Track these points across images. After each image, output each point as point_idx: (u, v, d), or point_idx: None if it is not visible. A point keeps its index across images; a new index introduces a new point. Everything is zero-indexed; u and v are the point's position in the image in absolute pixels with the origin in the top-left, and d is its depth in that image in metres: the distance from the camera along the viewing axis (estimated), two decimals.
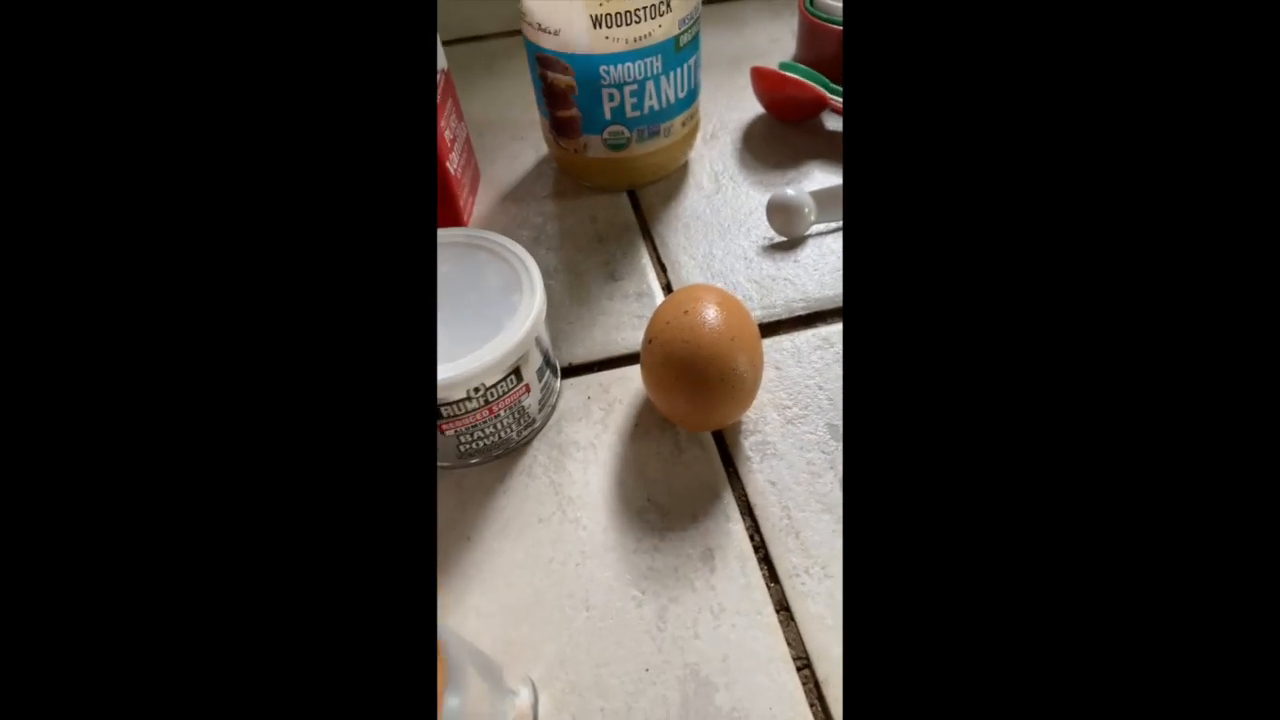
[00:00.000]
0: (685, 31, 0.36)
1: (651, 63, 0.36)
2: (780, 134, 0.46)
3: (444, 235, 0.31)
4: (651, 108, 0.38)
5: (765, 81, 0.45)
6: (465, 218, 0.40)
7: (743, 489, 0.29)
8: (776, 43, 0.55)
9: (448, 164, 0.37)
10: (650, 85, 0.37)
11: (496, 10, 0.61)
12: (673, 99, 0.38)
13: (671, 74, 0.37)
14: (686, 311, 0.29)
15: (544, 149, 0.47)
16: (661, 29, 0.35)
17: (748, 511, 0.29)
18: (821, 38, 0.47)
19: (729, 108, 0.49)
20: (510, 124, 0.49)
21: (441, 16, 0.60)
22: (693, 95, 0.40)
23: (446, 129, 0.37)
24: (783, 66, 0.45)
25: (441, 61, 0.37)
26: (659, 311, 0.30)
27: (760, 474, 0.30)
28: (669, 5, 0.34)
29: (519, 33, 0.58)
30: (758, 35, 0.56)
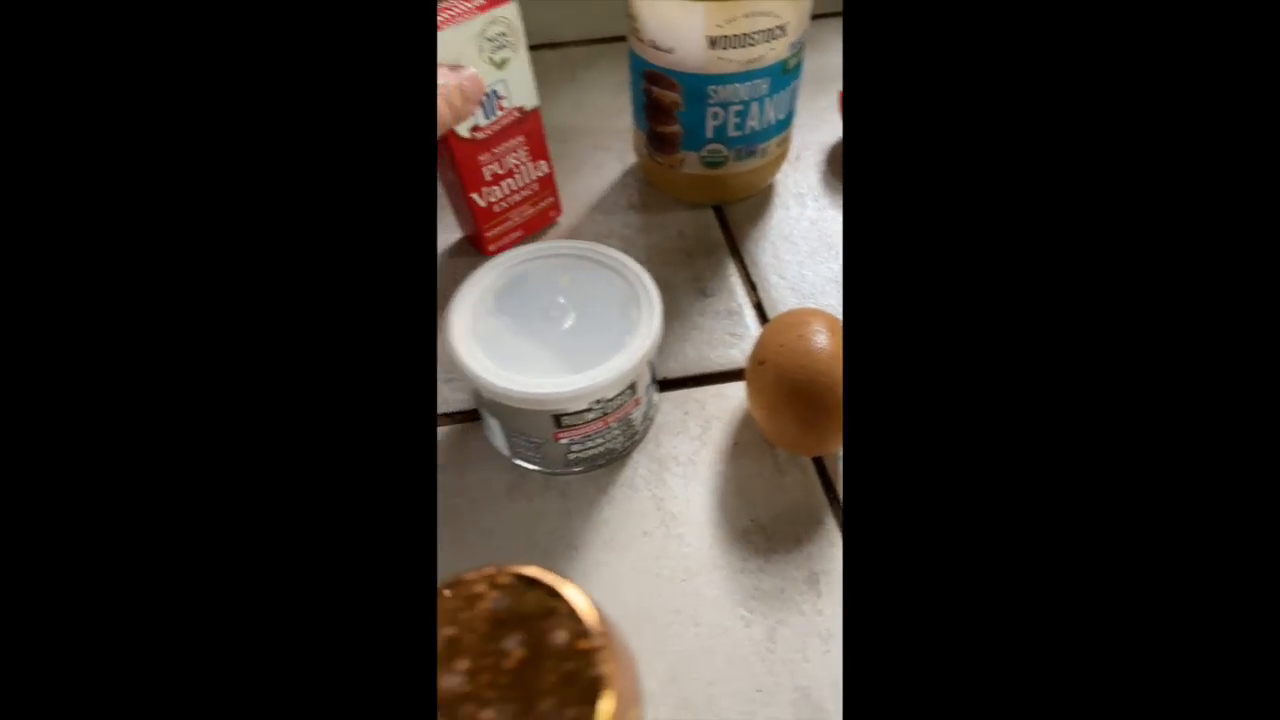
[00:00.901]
0: (794, 55, 0.37)
1: (759, 84, 0.36)
2: None
3: (564, 247, 0.31)
4: (753, 128, 0.38)
5: None
6: (490, 248, 0.39)
7: (842, 515, 0.30)
8: None
9: (474, 196, 0.36)
10: (755, 106, 0.37)
11: (577, 17, 0.61)
12: (773, 120, 0.39)
13: (776, 96, 0.38)
14: (800, 336, 0.29)
15: (628, 159, 0.47)
16: (774, 52, 0.35)
17: None
18: None
19: (811, 129, 0.49)
20: (593, 133, 0.49)
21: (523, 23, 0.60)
22: (790, 118, 0.40)
23: (495, 163, 0.36)
24: None
25: (530, 99, 0.36)
26: (769, 334, 0.30)
27: None
28: (784, 30, 0.35)
29: (601, 40, 0.58)
30: (838, 56, 0.56)
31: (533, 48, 0.58)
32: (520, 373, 0.27)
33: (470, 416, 0.33)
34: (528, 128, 0.36)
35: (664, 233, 0.42)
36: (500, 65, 0.33)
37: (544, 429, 0.28)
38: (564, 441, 0.29)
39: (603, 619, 0.14)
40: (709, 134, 0.38)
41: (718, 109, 0.37)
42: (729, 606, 0.27)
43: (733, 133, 0.38)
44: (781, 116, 0.39)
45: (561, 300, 0.30)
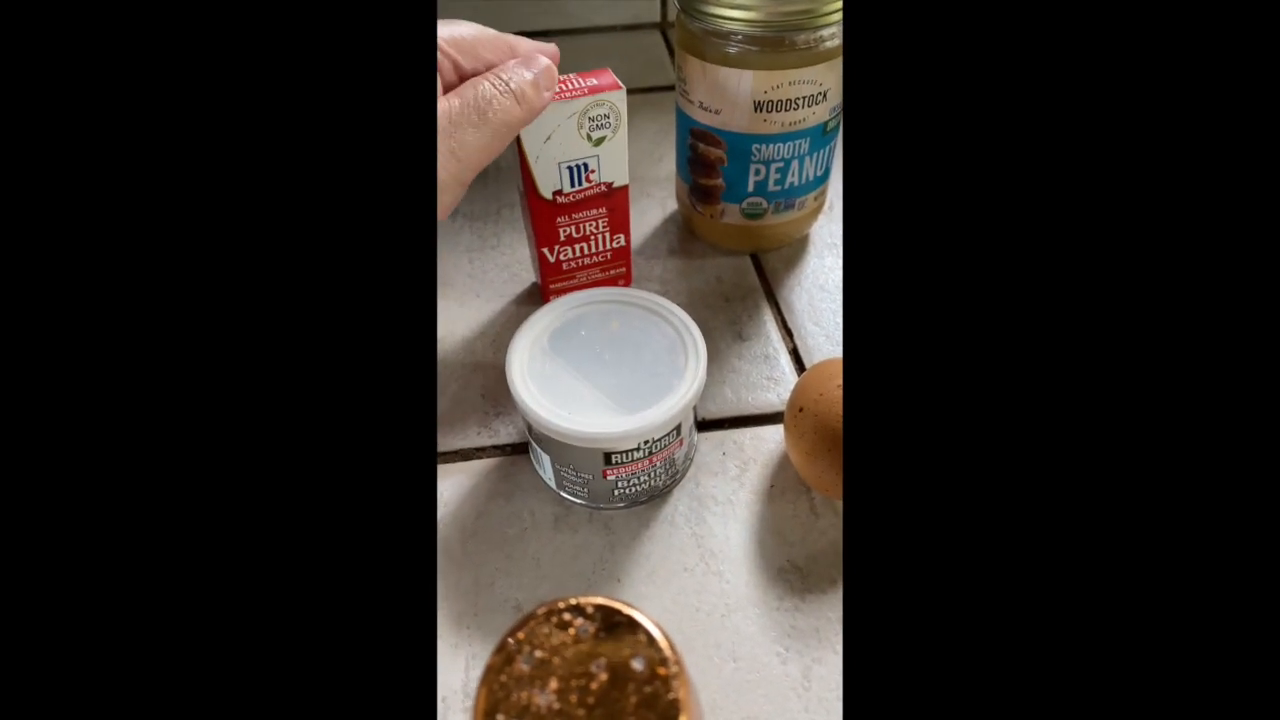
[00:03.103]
0: (833, 118, 0.39)
1: (799, 144, 0.39)
2: None
3: (615, 294, 0.33)
4: (792, 183, 0.40)
5: None
6: (549, 299, 0.40)
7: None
8: None
9: (544, 251, 0.38)
10: (795, 164, 0.39)
11: (622, 67, 0.64)
12: (811, 177, 0.41)
13: (815, 155, 0.40)
14: (839, 385, 0.30)
15: (669, 207, 0.50)
16: (815, 115, 0.38)
17: None
18: None
19: None
20: (638, 180, 0.52)
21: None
22: (827, 174, 0.42)
23: (571, 227, 0.37)
24: None
25: (620, 177, 0.36)
26: (808, 382, 0.32)
27: None
28: (825, 95, 0.37)
29: (644, 90, 0.61)
30: None
31: None
32: (574, 412, 0.29)
33: (519, 449, 0.35)
34: (612, 202, 0.37)
35: (703, 278, 0.44)
36: (596, 143, 0.34)
37: (594, 465, 0.30)
38: (611, 478, 0.30)
39: (674, 646, 0.15)
40: (750, 188, 0.40)
41: (760, 166, 0.39)
42: (766, 643, 0.28)
43: (773, 188, 0.40)
44: (820, 173, 0.41)
45: (612, 344, 0.31)
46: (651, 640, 0.15)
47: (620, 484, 0.31)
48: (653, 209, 0.50)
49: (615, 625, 0.15)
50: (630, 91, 0.62)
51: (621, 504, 0.32)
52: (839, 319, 0.41)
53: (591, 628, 0.15)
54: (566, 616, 0.15)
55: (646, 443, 0.29)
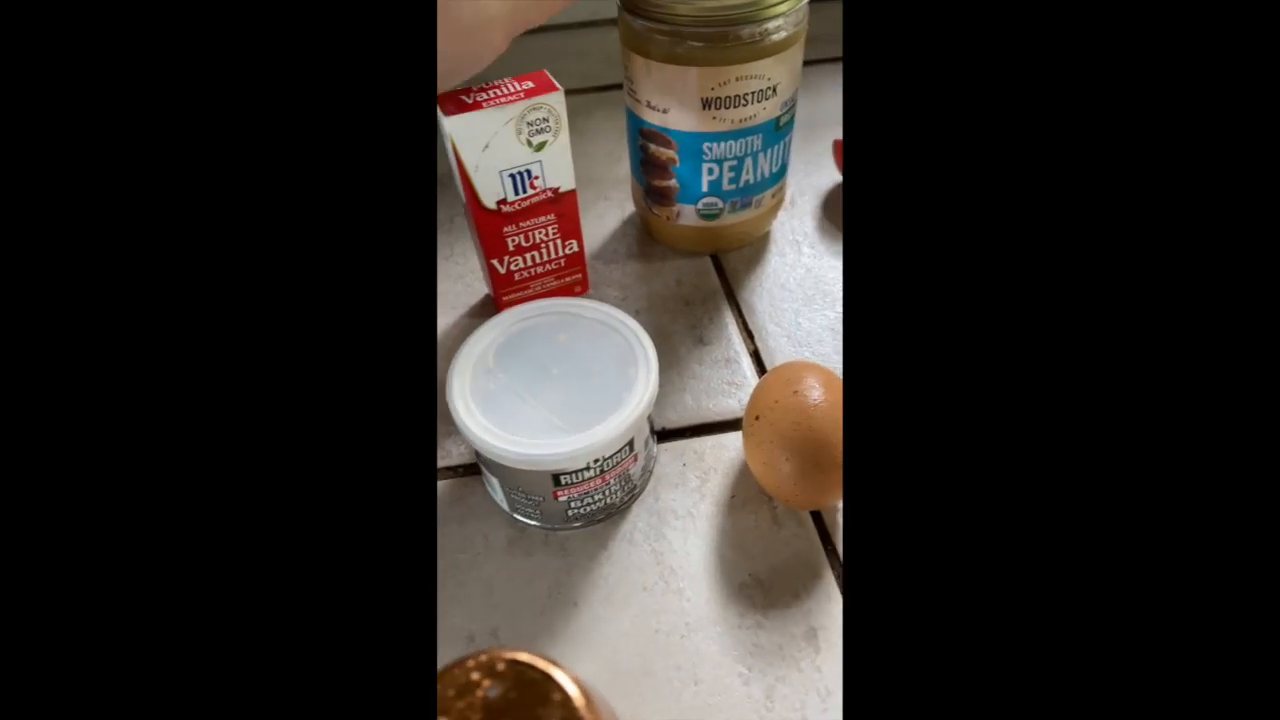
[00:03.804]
0: (785, 113, 0.38)
1: (752, 141, 0.38)
2: None
3: (562, 305, 0.32)
4: (747, 181, 0.39)
5: None
6: (503, 307, 0.39)
7: (842, 569, 0.30)
8: None
9: (494, 262, 0.37)
10: (748, 161, 0.38)
11: (576, 65, 0.63)
12: (767, 174, 0.40)
13: (769, 151, 0.39)
14: (795, 391, 0.29)
15: (628, 209, 0.48)
16: (766, 111, 0.37)
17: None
18: None
19: (806, 174, 0.50)
20: (593, 182, 0.51)
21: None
22: (784, 170, 0.41)
23: (519, 236, 0.36)
24: None
25: (566, 181, 0.36)
26: (765, 388, 0.31)
27: None
28: (775, 90, 0.36)
29: (600, 89, 0.60)
30: (835, 100, 0.57)
31: None
32: (519, 433, 0.27)
33: (471, 470, 0.34)
34: (561, 208, 0.36)
35: (662, 281, 0.43)
36: (538, 148, 0.33)
37: (543, 488, 0.28)
38: (563, 499, 0.29)
39: (593, 705, 0.14)
40: (704, 188, 0.39)
41: (712, 165, 0.38)
42: (728, 664, 0.27)
43: (727, 187, 0.39)
44: (775, 169, 0.40)
45: (560, 358, 0.30)
46: (567, 699, 0.14)
47: (574, 504, 0.30)
48: (611, 211, 0.48)
49: (528, 684, 0.14)
50: (587, 90, 0.61)
51: (578, 524, 0.31)
52: (800, 319, 0.40)
53: (500, 688, 0.14)
54: (475, 677, 0.14)
55: (597, 461, 0.28)
